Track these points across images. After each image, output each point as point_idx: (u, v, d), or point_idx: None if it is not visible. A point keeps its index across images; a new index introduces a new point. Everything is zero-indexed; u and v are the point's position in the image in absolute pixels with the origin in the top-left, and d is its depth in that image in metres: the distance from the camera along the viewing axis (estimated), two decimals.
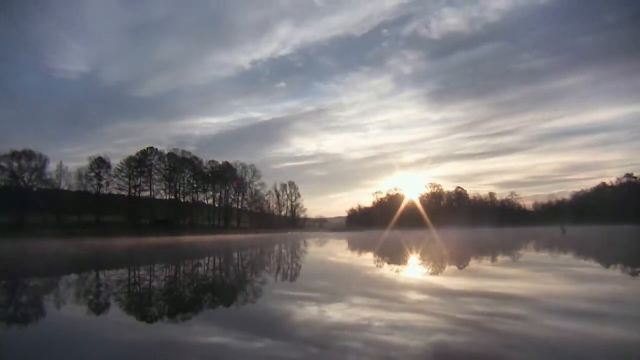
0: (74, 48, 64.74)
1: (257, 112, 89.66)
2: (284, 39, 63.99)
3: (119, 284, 8.44)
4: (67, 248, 23.66)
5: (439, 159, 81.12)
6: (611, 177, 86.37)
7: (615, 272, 8.92)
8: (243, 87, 74.92)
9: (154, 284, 8.41)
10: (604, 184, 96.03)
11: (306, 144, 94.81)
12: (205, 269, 11.99)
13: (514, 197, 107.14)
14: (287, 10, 66.31)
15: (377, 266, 11.43)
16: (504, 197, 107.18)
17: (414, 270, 10.13)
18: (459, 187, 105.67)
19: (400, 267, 10.71)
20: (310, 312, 4.70)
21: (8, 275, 10.98)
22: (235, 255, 17.37)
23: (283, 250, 19.84)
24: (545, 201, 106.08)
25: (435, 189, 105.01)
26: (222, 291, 7.17)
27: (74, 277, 9.96)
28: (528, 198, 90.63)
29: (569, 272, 8.52)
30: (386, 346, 3.22)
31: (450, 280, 7.95)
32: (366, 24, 59.93)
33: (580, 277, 7.71)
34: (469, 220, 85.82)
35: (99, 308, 5.50)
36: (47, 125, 59.84)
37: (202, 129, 78.27)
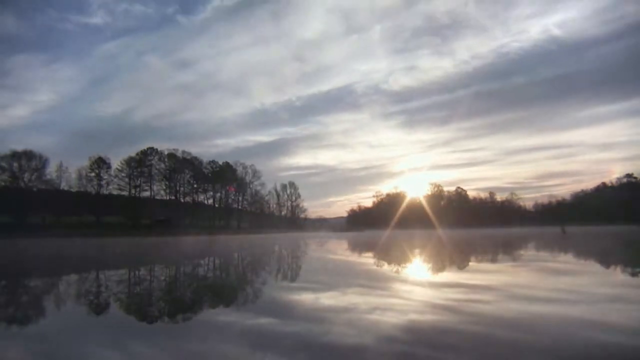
0: (117, 96, 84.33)
1: (262, 135, 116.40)
2: (288, 92, 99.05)
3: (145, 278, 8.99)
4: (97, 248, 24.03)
5: (423, 169, 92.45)
6: (583, 183, 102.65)
7: (590, 267, 9.52)
8: (254, 120, 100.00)
9: (166, 279, 9.13)
10: (604, 184, 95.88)
11: (303, 157, 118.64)
12: (214, 266, 12.51)
13: (514, 197, 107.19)
14: (290, 79, 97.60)
15: (371, 263, 11.94)
16: (504, 197, 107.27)
17: (405, 265, 10.66)
18: (458, 187, 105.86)
19: (392, 264, 11.23)
20: (306, 298, 5.31)
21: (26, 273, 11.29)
22: (240, 254, 17.77)
23: (284, 250, 20.24)
24: (545, 201, 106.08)
25: (436, 189, 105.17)
26: (231, 284, 7.79)
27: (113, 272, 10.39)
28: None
29: (546, 267, 9.15)
30: (365, 322, 3.86)
31: (437, 273, 8.60)
32: (345, 83, 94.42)
33: (554, 271, 8.32)
34: (469, 220, 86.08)
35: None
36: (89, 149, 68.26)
37: (215, 147, 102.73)
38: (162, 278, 9.19)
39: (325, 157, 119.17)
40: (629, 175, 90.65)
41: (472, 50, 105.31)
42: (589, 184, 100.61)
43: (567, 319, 3.82)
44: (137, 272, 10.26)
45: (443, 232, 45.58)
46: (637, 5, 76.30)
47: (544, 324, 3.63)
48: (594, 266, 9.67)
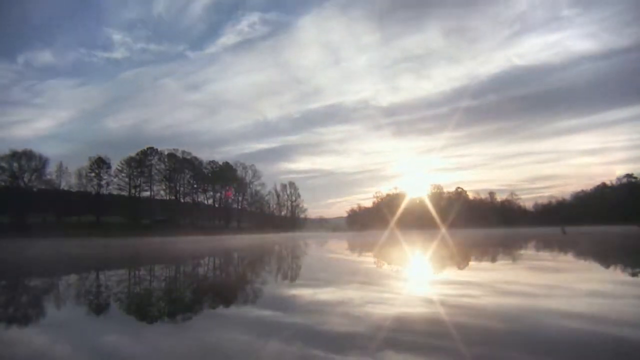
0: (132, 112, 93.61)
1: (264, 143, 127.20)
2: (288, 108, 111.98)
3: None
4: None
5: (416, 173, 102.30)
6: (568, 186, 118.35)
7: (577, 265, 9.77)
8: (256, 130, 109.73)
9: (176, 277, 9.54)
10: (604, 184, 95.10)
11: (302, 163, 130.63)
12: (219, 266, 12.80)
13: (514, 197, 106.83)
14: (290, 97, 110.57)
15: (368, 262, 12.16)
16: (503, 198, 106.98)
17: (400, 264, 10.87)
18: (458, 188, 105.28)
19: (388, 263, 11.41)
20: (305, 293, 5.60)
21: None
22: (243, 254, 17.88)
23: (284, 250, 20.32)
24: (545, 201, 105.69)
25: (436, 189, 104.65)
26: (237, 281, 8.16)
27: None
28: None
29: (535, 266, 9.44)
30: (358, 313, 4.13)
31: (430, 271, 8.88)
32: (338, 100, 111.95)
33: (541, 269, 8.63)
34: (469, 221, 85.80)
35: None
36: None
37: (219, 153, 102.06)
38: (172, 277, 9.44)
39: (322, 162, 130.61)
40: (629, 176, 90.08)
41: (447, 75, 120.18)
42: (575, 186, 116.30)
43: (539, 310, 4.13)
44: (144, 272, 10.62)
45: (443, 232, 45.49)
46: (578, 40, 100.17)
47: (517, 314, 3.98)
48: (581, 264, 9.90)
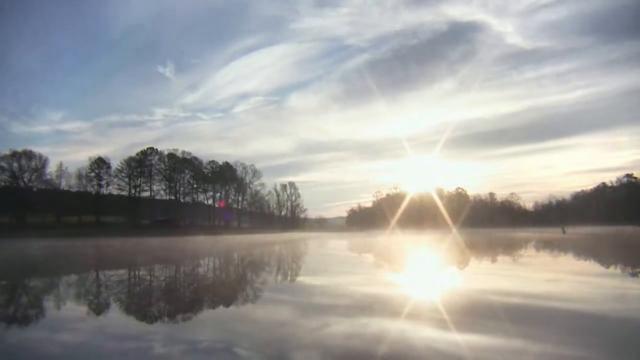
0: (166, 142, 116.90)
1: (270, 162, 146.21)
2: (289, 144, 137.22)
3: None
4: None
5: (401, 185, 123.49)
6: (533, 193, 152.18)
7: (555, 259, 10.34)
8: (265, 154, 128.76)
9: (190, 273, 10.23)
10: (604, 184, 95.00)
11: (300, 177, 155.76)
12: (226, 263, 13.27)
13: (514, 197, 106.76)
14: (291, 140, 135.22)
15: (360, 256, 12.75)
16: (504, 198, 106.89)
17: (391, 259, 11.45)
18: (459, 188, 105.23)
19: (379, 257, 12.00)
20: (302, 280, 6.69)
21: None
22: (247, 253, 17.97)
23: (285, 250, 20.36)
24: (545, 201, 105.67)
25: (436, 191, 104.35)
26: (249, 274, 9.02)
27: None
28: None
29: (520, 261, 10.15)
30: (341, 292, 5.01)
31: (413, 263, 9.58)
32: (326, 140, 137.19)
33: (522, 264, 9.22)
34: (470, 221, 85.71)
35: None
36: None
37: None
38: (187, 274, 10.05)
39: (319, 174, 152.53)
40: (628, 176, 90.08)
41: (397, 126, 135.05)
42: (536, 193, 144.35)
43: (489, 290, 4.96)
44: (160, 269, 10.92)
45: (442, 232, 45.49)
46: (480, 108, 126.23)
47: (471, 293, 4.81)
48: (557, 259, 10.43)
